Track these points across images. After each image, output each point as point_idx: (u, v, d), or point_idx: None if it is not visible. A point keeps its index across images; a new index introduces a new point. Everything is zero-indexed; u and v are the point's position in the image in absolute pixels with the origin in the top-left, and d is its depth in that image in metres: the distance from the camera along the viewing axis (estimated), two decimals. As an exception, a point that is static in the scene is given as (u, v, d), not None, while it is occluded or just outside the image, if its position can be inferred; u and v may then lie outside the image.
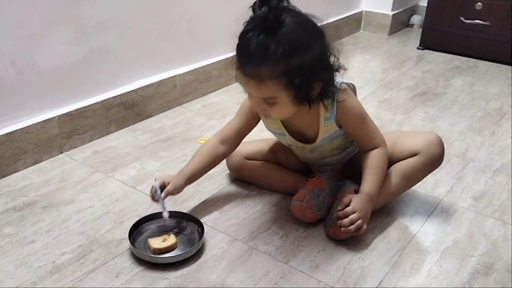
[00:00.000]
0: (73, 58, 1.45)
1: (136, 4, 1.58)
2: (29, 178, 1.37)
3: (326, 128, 1.16)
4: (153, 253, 1.08)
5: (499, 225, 1.26)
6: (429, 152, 1.22)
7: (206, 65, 1.92)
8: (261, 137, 1.40)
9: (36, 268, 1.05)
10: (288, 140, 1.23)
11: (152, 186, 1.16)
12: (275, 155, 1.36)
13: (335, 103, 1.12)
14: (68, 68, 1.45)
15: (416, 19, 3.07)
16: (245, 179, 1.37)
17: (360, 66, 2.40)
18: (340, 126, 1.17)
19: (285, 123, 1.20)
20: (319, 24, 1.04)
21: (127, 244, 1.11)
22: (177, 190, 1.17)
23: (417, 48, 2.68)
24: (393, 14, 2.89)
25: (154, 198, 1.16)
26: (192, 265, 1.07)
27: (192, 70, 1.87)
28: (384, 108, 1.92)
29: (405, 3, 3.02)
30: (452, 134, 1.72)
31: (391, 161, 1.24)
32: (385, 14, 2.90)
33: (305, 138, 1.20)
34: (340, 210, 1.12)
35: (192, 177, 1.21)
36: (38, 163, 1.43)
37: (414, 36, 2.86)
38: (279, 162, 1.36)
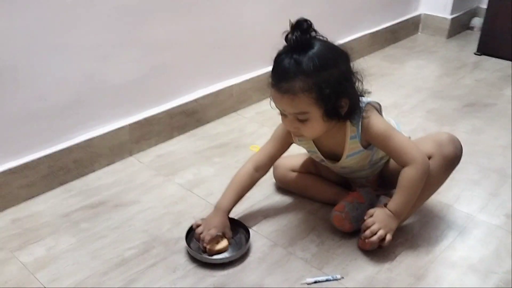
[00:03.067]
0: (140, 73, 1.64)
1: (195, 23, 1.75)
2: (103, 179, 1.58)
3: (351, 146, 1.27)
4: (208, 253, 1.25)
5: (528, 244, 1.32)
6: (442, 153, 1.24)
7: (260, 74, 2.06)
8: (304, 151, 1.53)
9: (106, 260, 1.25)
10: (319, 156, 1.35)
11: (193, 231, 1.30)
12: (317, 168, 1.48)
13: (360, 122, 1.23)
14: (136, 82, 1.64)
15: (477, 22, 3.03)
16: (289, 189, 1.51)
17: (413, 73, 2.44)
18: (365, 146, 1.27)
19: (316, 143, 1.32)
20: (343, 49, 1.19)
21: (183, 243, 1.29)
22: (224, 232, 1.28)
23: (474, 54, 2.67)
24: (452, 18, 2.89)
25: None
26: (237, 266, 1.23)
27: (248, 80, 2.02)
28: (431, 119, 1.98)
29: (466, 5, 3.00)
30: (495, 148, 1.76)
31: None
32: (443, 18, 2.90)
33: (334, 156, 1.32)
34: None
35: (230, 209, 1.33)
36: (111, 164, 1.65)
37: (473, 40, 2.83)
38: (321, 174, 1.48)
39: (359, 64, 1.20)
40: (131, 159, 1.68)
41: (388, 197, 1.32)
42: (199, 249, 1.27)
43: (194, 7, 1.73)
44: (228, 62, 1.94)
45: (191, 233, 1.31)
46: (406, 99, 2.14)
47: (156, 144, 1.76)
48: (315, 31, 1.15)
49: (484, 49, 2.65)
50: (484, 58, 2.63)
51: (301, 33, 1.12)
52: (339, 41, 1.23)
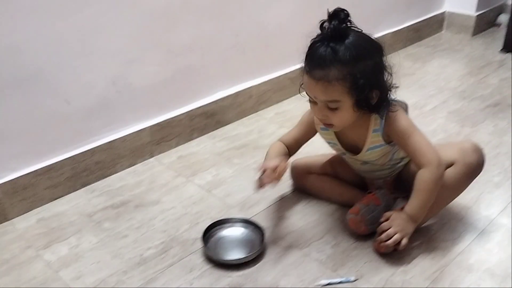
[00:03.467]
0: (163, 76, 1.68)
1: (216, 26, 1.78)
2: (125, 180, 1.63)
3: (373, 140, 1.28)
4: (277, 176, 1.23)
5: (547, 248, 1.30)
6: (464, 161, 1.25)
7: (280, 76, 2.08)
8: (321, 152, 1.55)
9: (127, 259, 1.29)
10: (340, 149, 1.36)
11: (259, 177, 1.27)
12: (334, 169, 1.49)
13: (385, 116, 1.24)
14: (158, 85, 1.68)
15: (503, 19, 2.96)
16: (306, 190, 1.52)
17: (436, 72, 2.42)
18: (387, 141, 1.28)
19: (338, 135, 1.34)
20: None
21: (200, 244, 1.32)
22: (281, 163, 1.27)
23: (500, 52, 2.62)
24: (477, 15, 2.84)
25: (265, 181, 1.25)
26: (253, 267, 1.26)
27: (267, 81, 2.04)
28: (453, 120, 1.96)
29: (492, 1, 2.94)
30: (518, 150, 1.74)
31: None
32: (468, 15, 2.85)
33: (354, 149, 1.33)
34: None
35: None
36: (132, 165, 1.69)
37: (499, 37, 2.77)
38: (338, 176, 1.49)
39: (391, 59, 1.22)
40: (152, 161, 1.73)
41: (406, 200, 1.32)
42: (215, 249, 1.30)
43: (217, 11, 1.76)
44: (248, 63, 1.96)
45: (208, 234, 1.34)
46: (427, 100, 2.12)
47: (176, 145, 1.80)
48: (351, 21, 1.17)
49: (510, 47, 2.60)
50: (510, 56, 2.58)
51: (339, 22, 1.14)
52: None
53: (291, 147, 1.43)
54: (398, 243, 1.22)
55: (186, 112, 1.79)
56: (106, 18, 1.46)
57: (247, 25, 1.88)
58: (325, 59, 1.14)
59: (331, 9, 1.15)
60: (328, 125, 1.25)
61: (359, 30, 1.18)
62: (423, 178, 1.23)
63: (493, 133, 1.86)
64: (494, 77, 2.34)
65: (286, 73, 2.11)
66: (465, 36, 2.87)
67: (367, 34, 1.20)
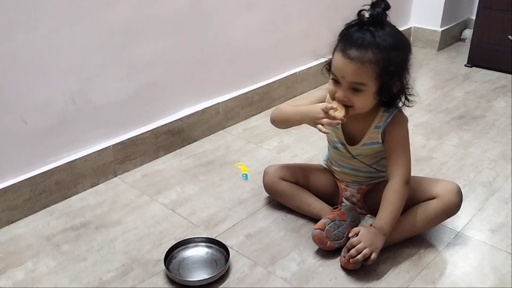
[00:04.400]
0: (125, 93, 1.65)
1: (180, 40, 1.76)
2: (86, 200, 1.58)
3: (372, 135, 1.31)
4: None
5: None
6: (446, 198, 1.30)
7: (248, 91, 2.07)
8: (295, 161, 1.53)
9: (85, 283, 1.24)
10: (339, 135, 1.37)
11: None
12: (307, 181, 1.48)
13: (393, 114, 1.29)
14: (121, 102, 1.65)
15: (468, 33, 3.03)
16: (277, 198, 1.51)
17: (402, 86, 2.44)
18: (383, 140, 1.31)
19: (342, 125, 1.34)
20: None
21: (162, 265, 1.28)
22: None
23: (465, 66, 2.67)
24: (442, 30, 2.89)
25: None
26: (217, 287, 1.22)
27: (235, 97, 2.03)
28: (418, 133, 1.97)
29: (456, 17, 3.01)
30: (482, 161, 1.75)
31: (412, 202, 1.33)
32: (434, 30, 2.90)
33: (351, 140, 1.35)
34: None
35: None
36: (95, 186, 1.64)
37: (464, 52, 2.83)
38: (308, 188, 1.48)
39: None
40: (115, 180, 1.68)
41: (372, 218, 1.32)
42: (178, 271, 1.27)
43: (180, 25, 1.74)
44: (215, 79, 1.95)
45: (171, 255, 1.30)
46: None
47: (141, 164, 1.76)
48: (388, 15, 1.21)
49: (474, 60, 2.65)
50: (475, 69, 2.63)
51: (382, 10, 1.19)
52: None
53: None
54: (367, 258, 1.21)
55: (151, 130, 1.76)
56: (62, 34, 1.43)
57: (212, 40, 1.87)
58: (364, 41, 1.18)
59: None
60: (348, 107, 1.25)
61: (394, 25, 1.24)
62: (393, 189, 1.27)
63: (458, 145, 1.87)
64: (459, 90, 2.38)
65: (255, 89, 2.10)
66: (431, 51, 2.92)
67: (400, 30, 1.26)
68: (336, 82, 1.25)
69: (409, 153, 1.32)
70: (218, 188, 1.62)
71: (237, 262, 1.30)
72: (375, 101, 1.25)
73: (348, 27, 1.23)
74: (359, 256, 1.20)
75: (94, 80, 1.55)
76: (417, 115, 2.13)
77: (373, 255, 1.21)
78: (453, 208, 1.32)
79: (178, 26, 1.73)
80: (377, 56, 1.17)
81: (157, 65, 1.72)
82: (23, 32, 1.34)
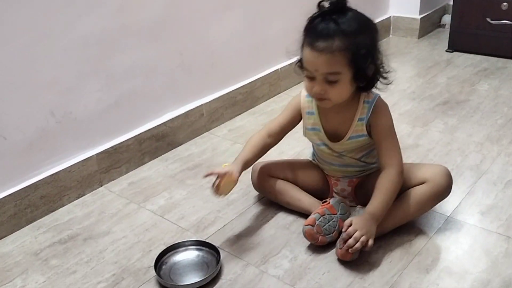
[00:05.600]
0: (105, 103, 1.63)
1: (159, 46, 1.74)
2: (73, 212, 1.56)
3: (356, 128, 1.31)
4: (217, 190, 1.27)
5: (502, 240, 1.30)
6: (435, 181, 1.30)
7: (231, 91, 2.06)
8: (282, 157, 1.52)
9: (76, 296, 1.23)
10: (322, 137, 1.36)
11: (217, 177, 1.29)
12: (295, 176, 1.47)
13: (373, 104, 1.29)
14: (102, 112, 1.63)
15: (447, 19, 3.04)
16: (266, 195, 1.50)
17: (385, 76, 2.44)
18: (368, 132, 1.30)
19: (322, 121, 1.34)
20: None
21: (153, 272, 1.26)
22: (232, 174, 1.28)
23: (446, 51, 2.68)
24: (421, 17, 2.90)
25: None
26: (208, 290, 1.21)
27: (218, 98, 2.01)
28: (404, 121, 1.97)
29: (434, 3, 3.02)
30: (469, 145, 1.76)
31: (402, 189, 1.32)
32: (413, 18, 2.91)
33: (336, 137, 1.34)
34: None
35: (246, 164, 1.36)
36: (81, 197, 1.62)
37: (445, 38, 2.83)
38: (297, 183, 1.47)
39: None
40: (101, 190, 1.66)
41: (361, 209, 1.31)
42: (170, 276, 1.25)
43: (157, 31, 1.72)
44: (196, 82, 1.93)
45: (161, 260, 1.29)
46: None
47: (127, 171, 1.74)
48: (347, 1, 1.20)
49: (455, 45, 2.66)
50: (456, 54, 2.64)
51: None
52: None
53: (276, 134, 1.42)
54: (364, 246, 1.20)
55: (134, 137, 1.74)
56: (36, 48, 1.41)
57: (190, 43, 1.85)
58: (329, 30, 1.17)
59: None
60: (324, 100, 1.25)
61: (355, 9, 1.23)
62: (388, 177, 1.27)
63: (444, 131, 1.88)
64: (442, 76, 2.38)
65: (237, 88, 2.09)
66: (411, 39, 2.93)
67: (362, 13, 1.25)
68: (311, 78, 1.24)
69: (397, 141, 1.31)
70: (206, 191, 1.61)
71: (228, 263, 1.29)
72: (352, 89, 1.25)
73: (311, 20, 1.22)
74: (357, 245, 1.19)
75: (73, 92, 1.53)
76: (401, 103, 2.13)
77: (370, 242, 1.20)
78: (444, 191, 1.32)
79: (155, 32, 1.72)
80: (345, 42, 1.16)
81: (136, 73, 1.70)
82: (-5, 46, 1.32)
